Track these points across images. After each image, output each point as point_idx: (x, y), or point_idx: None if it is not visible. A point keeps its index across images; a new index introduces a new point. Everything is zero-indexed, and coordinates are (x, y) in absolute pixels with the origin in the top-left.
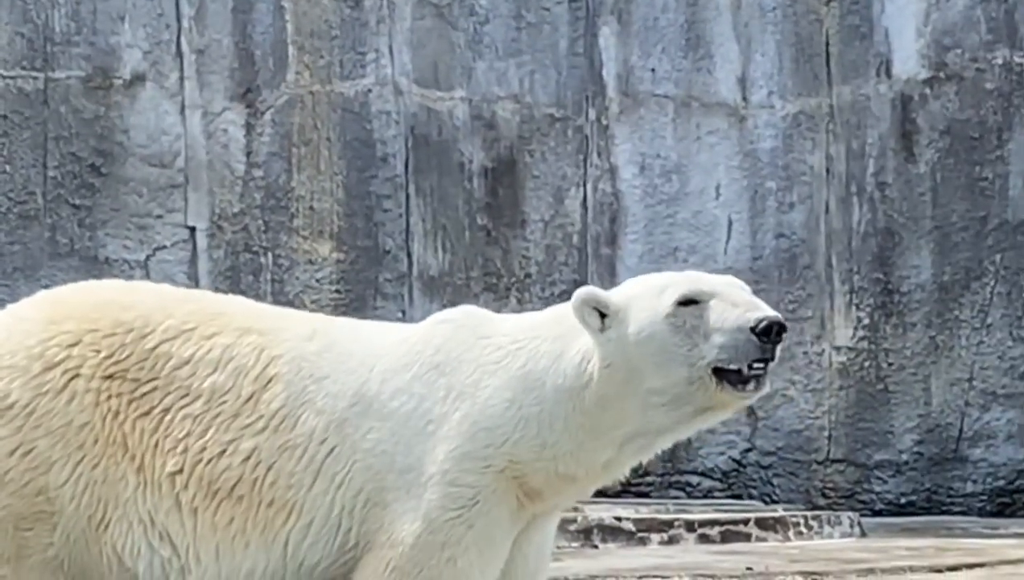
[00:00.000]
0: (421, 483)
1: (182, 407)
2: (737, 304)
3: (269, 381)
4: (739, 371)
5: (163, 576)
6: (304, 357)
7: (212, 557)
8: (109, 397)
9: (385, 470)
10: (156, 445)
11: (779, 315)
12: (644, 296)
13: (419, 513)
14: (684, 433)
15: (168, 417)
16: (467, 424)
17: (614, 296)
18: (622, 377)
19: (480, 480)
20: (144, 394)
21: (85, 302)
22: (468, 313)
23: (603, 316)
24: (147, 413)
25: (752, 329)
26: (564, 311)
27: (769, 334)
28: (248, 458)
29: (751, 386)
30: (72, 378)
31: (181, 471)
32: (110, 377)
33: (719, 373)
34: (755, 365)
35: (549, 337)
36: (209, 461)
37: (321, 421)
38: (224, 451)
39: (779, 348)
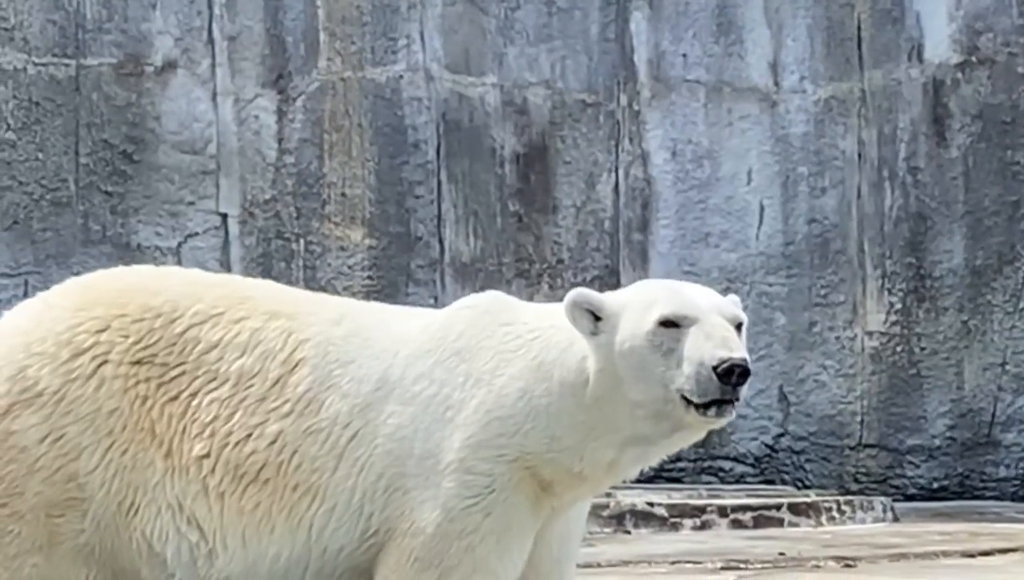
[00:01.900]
0: (439, 471)
1: (209, 391)
2: (711, 337)
3: (296, 365)
4: None
5: (191, 561)
6: (331, 341)
7: (239, 542)
8: (137, 382)
9: (405, 455)
10: (184, 430)
11: (745, 358)
12: (635, 307)
13: (438, 502)
14: (670, 447)
15: (196, 401)
16: (482, 412)
17: (609, 300)
18: (611, 383)
19: (495, 468)
20: (172, 379)
21: (114, 288)
22: (493, 299)
23: (597, 318)
24: (175, 398)
25: (714, 368)
26: None
27: (730, 376)
28: (274, 442)
29: (712, 412)
30: (101, 364)
31: (208, 455)
32: (138, 362)
33: (686, 399)
34: (715, 403)
35: (564, 326)
36: (236, 445)
37: (345, 405)
38: (250, 435)
39: (743, 390)
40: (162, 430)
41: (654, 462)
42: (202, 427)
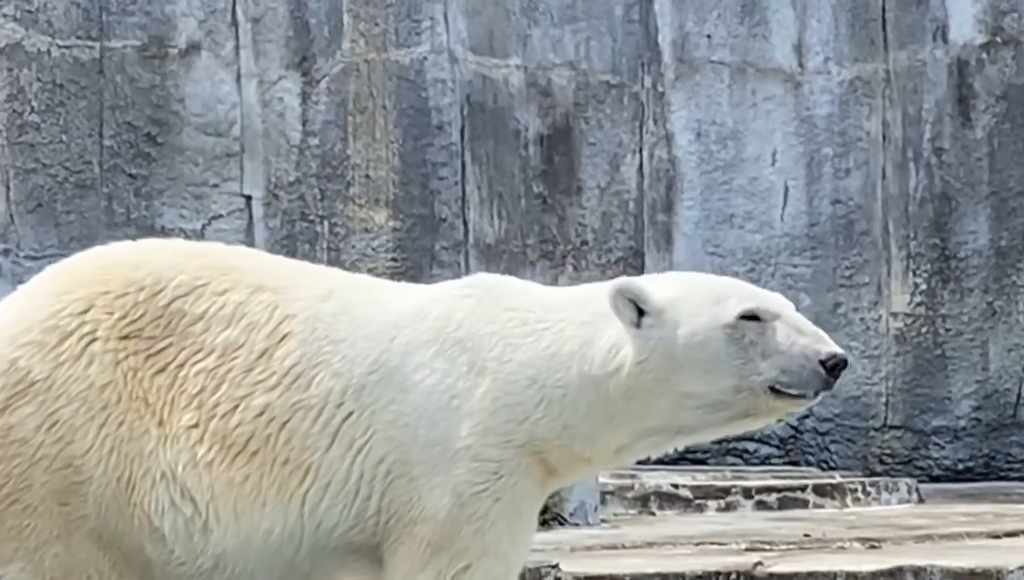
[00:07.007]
0: (447, 458)
1: (196, 362)
2: (804, 332)
3: (282, 338)
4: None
5: (187, 535)
6: (319, 318)
7: (231, 515)
8: (127, 356)
9: (408, 443)
10: (172, 401)
11: (845, 353)
12: (696, 300)
13: (447, 488)
14: (707, 436)
15: (183, 373)
16: (488, 399)
17: (655, 293)
18: (656, 376)
19: (503, 454)
20: (160, 350)
21: (94, 266)
22: (491, 284)
23: (640, 311)
24: (163, 370)
25: (822, 362)
26: (591, 294)
27: (836, 371)
28: (261, 414)
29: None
30: (89, 343)
31: (197, 425)
32: (126, 337)
33: (775, 390)
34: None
35: (576, 321)
36: (223, 416)
37: (338, 384)
38: (237, 406)
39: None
40: (153, 401)
41: (664, 451)
42: (190, 398)
